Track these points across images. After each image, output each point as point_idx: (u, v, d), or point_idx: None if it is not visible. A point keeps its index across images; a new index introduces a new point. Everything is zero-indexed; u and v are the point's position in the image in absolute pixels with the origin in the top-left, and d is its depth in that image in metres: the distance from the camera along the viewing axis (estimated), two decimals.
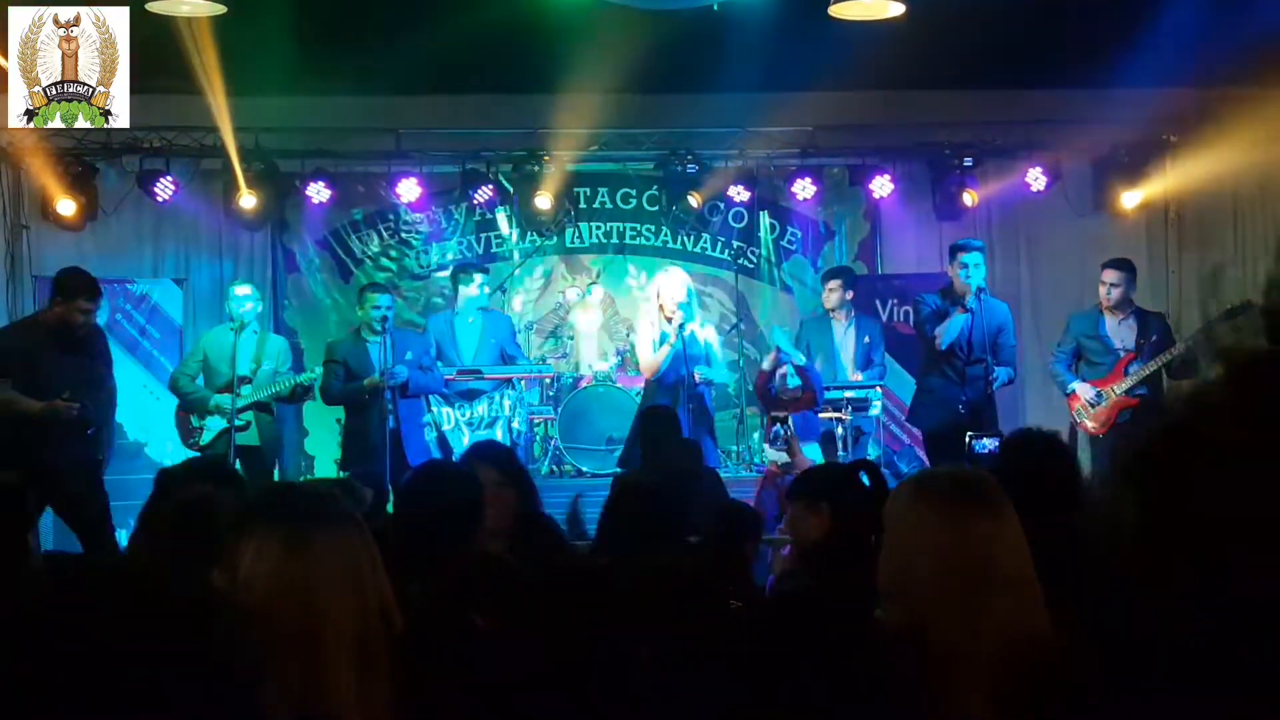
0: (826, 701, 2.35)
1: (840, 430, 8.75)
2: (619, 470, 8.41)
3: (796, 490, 3.96)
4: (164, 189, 10.20)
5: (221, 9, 8.13)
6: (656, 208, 11.02)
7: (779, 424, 7.85)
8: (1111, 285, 8.71)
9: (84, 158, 10.18)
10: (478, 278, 9.47)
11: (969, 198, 10.59)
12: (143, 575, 1.55)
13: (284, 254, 10.85)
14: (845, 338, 9.39)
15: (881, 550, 2.36)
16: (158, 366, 10.10)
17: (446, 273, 10.49)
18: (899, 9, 8.12)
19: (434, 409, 9.10)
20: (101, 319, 10.13)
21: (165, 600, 1.53)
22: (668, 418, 7.24)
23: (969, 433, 7.63)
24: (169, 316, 10.31)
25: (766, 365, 8.59)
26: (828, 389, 8.75)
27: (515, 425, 9.09)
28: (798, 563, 3.72)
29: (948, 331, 8.28)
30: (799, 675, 2.45)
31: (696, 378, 8.29)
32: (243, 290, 8.94)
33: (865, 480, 3.65)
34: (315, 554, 2.17)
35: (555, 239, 11.02)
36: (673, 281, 8.37)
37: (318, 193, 10.38)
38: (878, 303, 10.70)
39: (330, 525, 2.21)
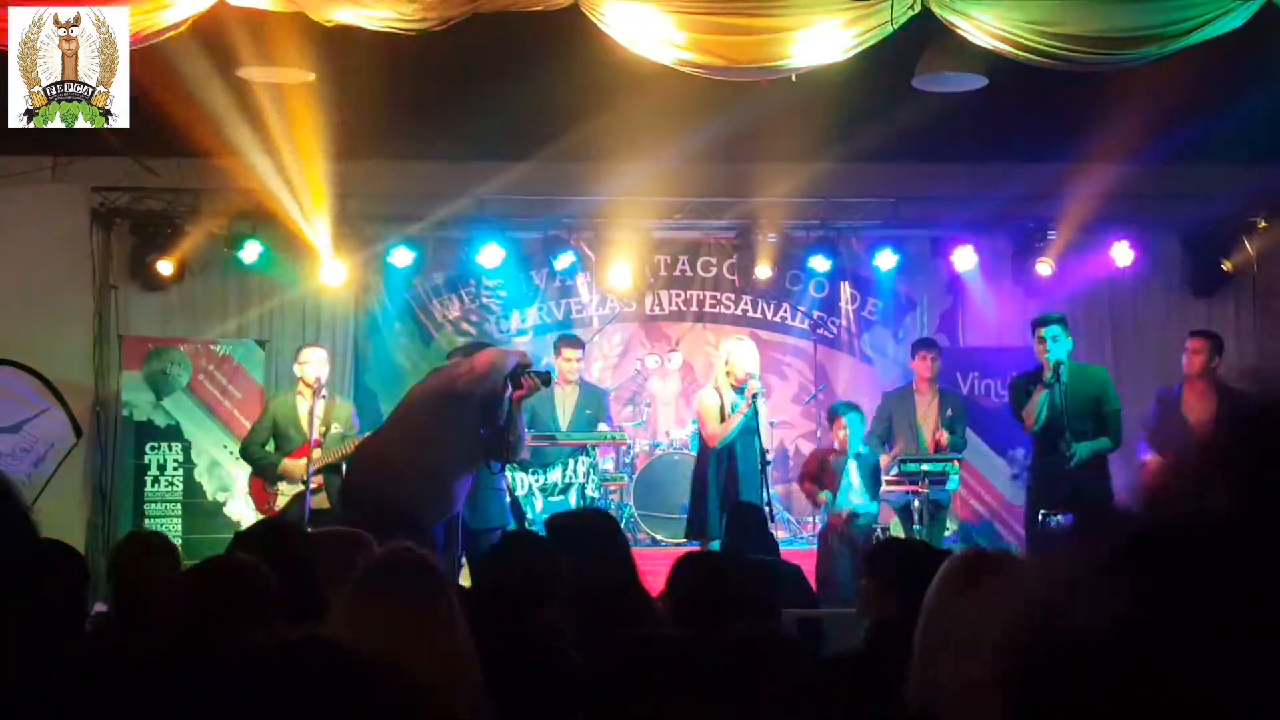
0: None
1: (916, 503, 8.61)
2: (686, 540, 8.36)
3: (869, 566, 3.92)
4: (250, 251, 10.37)
5: (311, 76, 8.30)
6: (735, 276, 11.01)
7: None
8: (1194, 353, 8.58)
9: (173, 219, 10.40)
10: (574, 353, 9.45)
11: (1047, 268, 10.46)
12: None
13: (365, 317, 10.96)
14: (929, 410, 9.26)
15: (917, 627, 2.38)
16: (238, 427, 10.22)
17: (525, 339, 10.54)
18: (981, 81, 8.09)
19: (508, 473, 9.09)
20: (185, 379, 10.36)
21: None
22: (757, 514, 7.16)
23: (1041, 510, 7.49)
24: (251, 377, 10.44)
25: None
26: (906, 461, 8.63)
27: (589, 492, 9.05)
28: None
29: (1036, 412, 8.13)
30: None
31: (764, 450, 8.16)
32: (312, 354, 8.98)
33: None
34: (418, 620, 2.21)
35: (634, 306, 11.03)
36: (744, 350, 8.32)
37: (400, 257, 10.50)
38: (958, 375, 10.57)
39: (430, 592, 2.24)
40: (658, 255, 10.95)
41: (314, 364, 8.72)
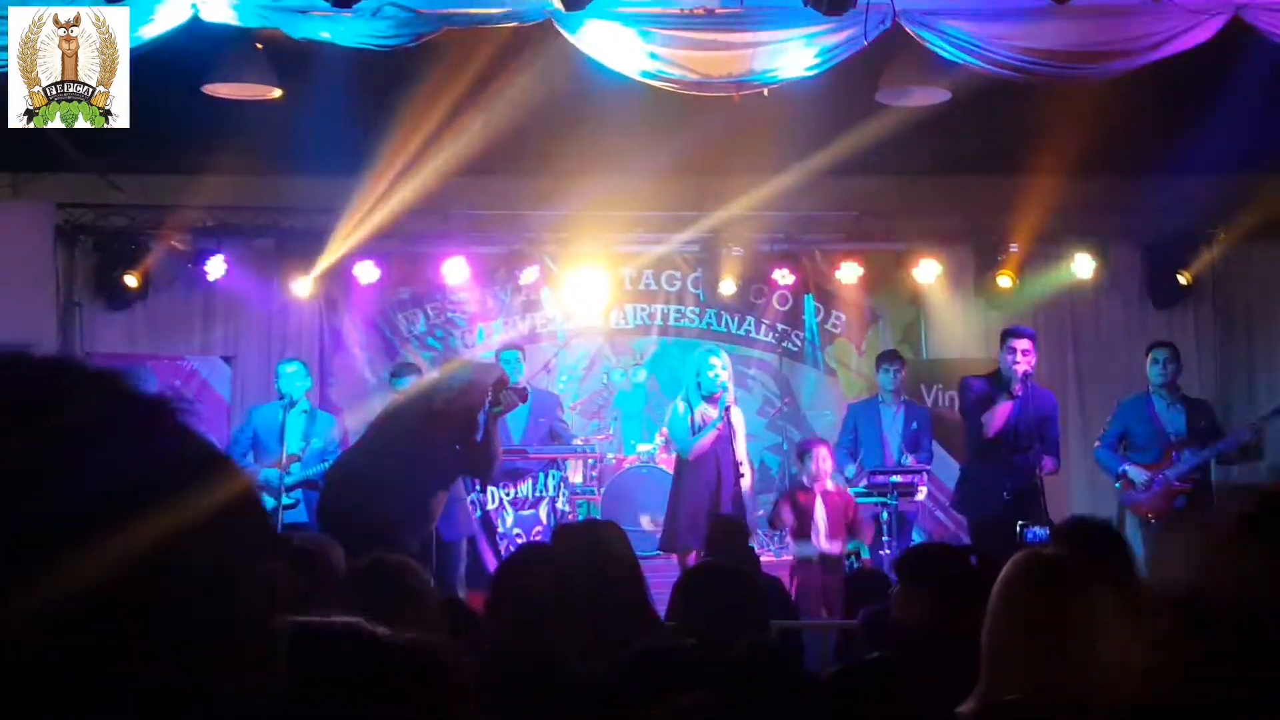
0: None
1: (885, 515, 8.68)
2: (659, 553, 8.37)
3: (901, 569, 3.95)
4: (215, 267, 10.32)
5: (278, 92, 8.28)
6: (700, 290, 11.06)
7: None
8: (1167, 362, 8.69)
9: (138, 235, 10.33)
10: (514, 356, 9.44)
11: (1008, 280, 10.57)
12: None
13: (331, 333, 10.93)
14: (894, 423, 9.34)
15: (984, 630, 2.38)
16: None
17: (491, 354, 10.54)
18: (944, 95, 8.16)
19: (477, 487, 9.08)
20: None
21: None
22: (736, 527, 7.18)
23: (1019, 521, 7.56)
24: (217, 393, 10.38)
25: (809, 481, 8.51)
26: (875, 473, 8.70)
27: (559, 505, 9.06)
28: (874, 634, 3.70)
29: (996, 419, 8.21)
30: None
31: (737, 462, 8.17)
32: (292, 368, 8.98)
33: (974, 563, 3.63)
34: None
35: (600, 320, 11.05)
36: (719, 364, 8.34)
37: (365, 272, 10.48)
38: (922, 388, 10.65)
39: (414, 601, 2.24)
40: (622, 269, 10.98)
41: (293, 378, 8.73)
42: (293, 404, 8.61)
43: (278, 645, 0.82)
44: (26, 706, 0.69)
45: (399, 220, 10.41)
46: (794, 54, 6.93)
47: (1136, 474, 8.63)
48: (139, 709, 0.72)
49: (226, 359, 10.58)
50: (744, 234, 10.63)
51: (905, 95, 8.24)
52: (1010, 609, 2.46)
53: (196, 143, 9.12)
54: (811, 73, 7.05)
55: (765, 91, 7.32)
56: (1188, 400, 8.84)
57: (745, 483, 8.19)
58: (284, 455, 8.46)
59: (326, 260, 10.29)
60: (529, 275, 10.58)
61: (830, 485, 8.57)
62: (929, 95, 8.19)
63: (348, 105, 8.72)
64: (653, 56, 6.98)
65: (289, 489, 8.49)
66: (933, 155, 9.79)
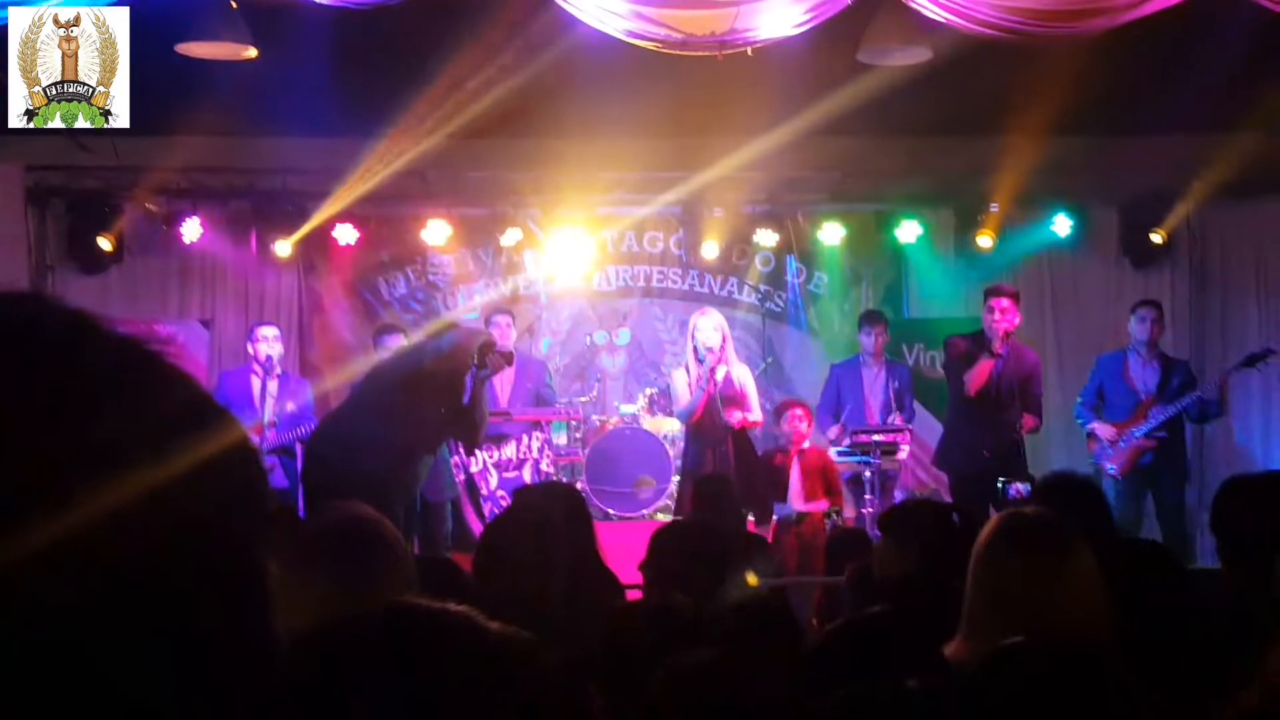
0: None
1: (868, 473, 8.71)
2: (644, 513, 8.41)
3: (885, 525, 3.99)
4: (191, 230, 10.23)
5: (253, 52, 8.18)
6: (682, 251, 11.04)
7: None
8: (1153, 322, 8.77)
9: (111, 198, 10.22)
10: (503, 319, 9.44)
11: (988, 240, 10.60)
12: None
13: (310, 296, 10.86)
14: (876, 383, 9.36)
15: (967, 586, 2.39)
16: None
17: (473, 317, 10.51)
18: (925, 54, 8.14)
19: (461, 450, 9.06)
20: None
21: None
22: (722, 486, 7.19)
23: (1000, 478, 7.62)
24: (195, 358, 10.31)
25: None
26: (858, 432, 8.73)
27: (543, 467, 9.05)
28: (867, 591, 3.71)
29: (977, 377, 8.26)
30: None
31: (733, 420, 8.24)
32: (267, 331, 8.92)
33: (955, 520, 3.66)
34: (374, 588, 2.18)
35: (582, 282, 11.02)
36: (706, 324, 8.35)
37: (345, 234, 10.41)
38: (904, 347, 10.69)
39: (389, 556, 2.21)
40: (604, 231, 10.94)
41: (267, 342, 8.64)
42: (269, 368, 8.54)
43: (271, 596, 0.82)
44: (28, 641, 0.69)
45: (378, 183, 10.36)
46: (777, 12, 6.89)
47: (1104, 431, 8.73)
48: (141, 653, 0.72)
49: (204, 323, 10.52)
50: (726, 195, 10.60)
51: (887, 55, 8.22)
52: (989, 569, 2.49)
53: (170, 104, 9.01)
54: (795, 31, 7.01)
55: (749, 51, 7.28)
56: (1164, 358, 8.92)
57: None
58: (261, 420, 8.41)
59: (308, 226, 10.22)
60: (510, 237, 10.53)
61: (806, 445, 8.63)
62: (911, 55, 8.16)
63: (325, 66, 8.63)
64: (636, 15, 6.93)
65: (266, 454, 8.45)
66: (914, 116, 9.76)
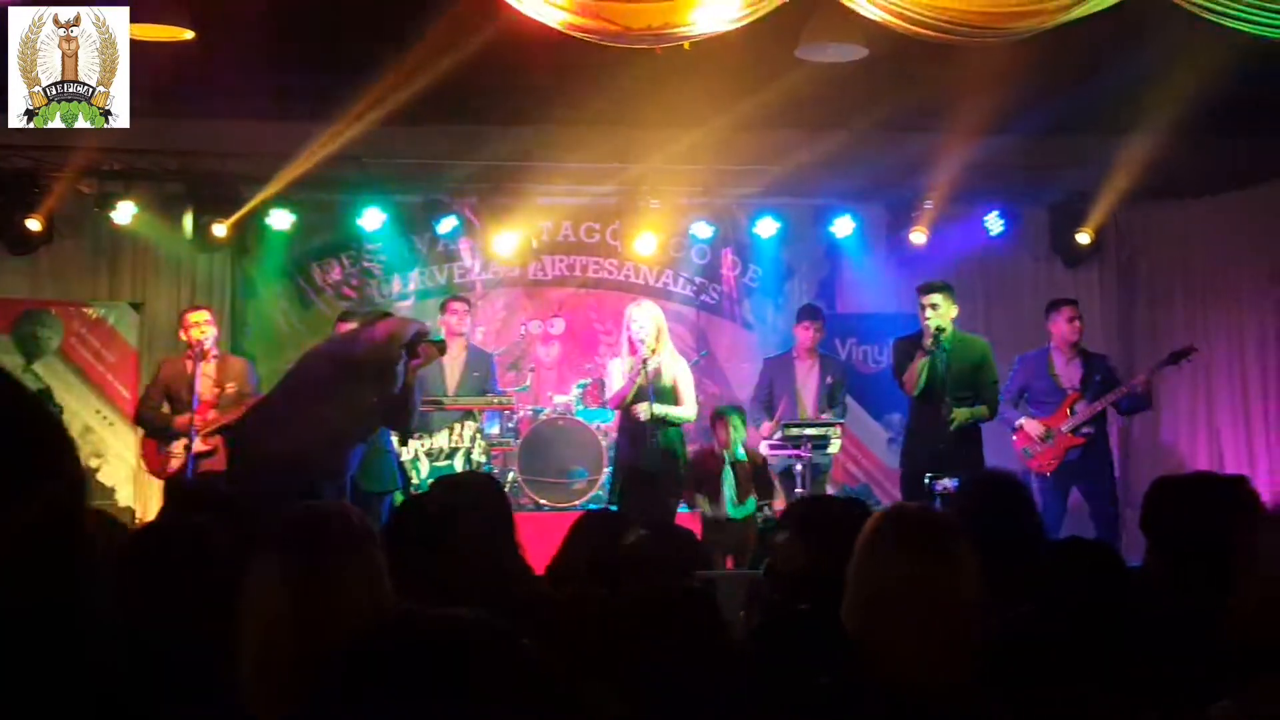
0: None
1: (799, 466, 8.78)
2: (579, 505, 8.42)
3: (784, 521, 4.02)
4: (123, 212, 10.12)
5: (189, 34, 8.10)
6: (618, 242, 11.06)
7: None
8: (1069, 320, 8.89)
9: (41, 178, 10.08)
10: (460, 305, 9.37)
11: (921, 237, 10.71)
12: None
13: (243, 279, 10.78)
14: (809, 378, 9.42)
15: (848, 579, 2.45)
16: (112, 391, 10.00)
17: (408, 304, 10.49)
18: (861, 52, 8.21)
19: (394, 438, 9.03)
20: (56, 342, 10.08)
21: None
22: (647, 479, 7.21)
23: (927, 474, 7.69)
24: (125, 340, 10.21)
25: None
26: (789, 425, 8.79)
27: (475, 456, 9.05)
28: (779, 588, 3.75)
29: (917, 376, 8.31)
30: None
31: (638, 414, 8.24)
32: (196, 317, 8.79)
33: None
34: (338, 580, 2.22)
35: (517, 271, 11.02)
36: (641, 315, 8.36)
37: (279, 219, 10.34)
38: (836, 341, 10.77)
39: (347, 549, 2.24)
40: (541, 221, 10.94)
41: (198, 327, 8.55)
42: (203, 353, 8.45)
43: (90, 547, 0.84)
44: None
45: (315, 168, 10.30)
46: (715, 7, 6.92)
47: (1032, 427, 8.83)
48: None
49: (135, 305, 10.40)
50: (663, 187, 10.64)
51: (824, 51, 8.27)
52: (867, 564, 2.52)
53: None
54: (733, 26, 7.04)
55: (686, 45, 7.31)
56: (1085, 354, 9.05)
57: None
58: (197, 405, 8.33)
59: (243, 209, 10.14)
60: (447, 225, 10.51)
61: (741, 452, 8.68)
62: (847, 52, 8.23)
63: (262, 50, 8.56)
64: (573, 6, 6.93)
65: (207, 437, 8.37)
66: (850, 112, 9.84)
